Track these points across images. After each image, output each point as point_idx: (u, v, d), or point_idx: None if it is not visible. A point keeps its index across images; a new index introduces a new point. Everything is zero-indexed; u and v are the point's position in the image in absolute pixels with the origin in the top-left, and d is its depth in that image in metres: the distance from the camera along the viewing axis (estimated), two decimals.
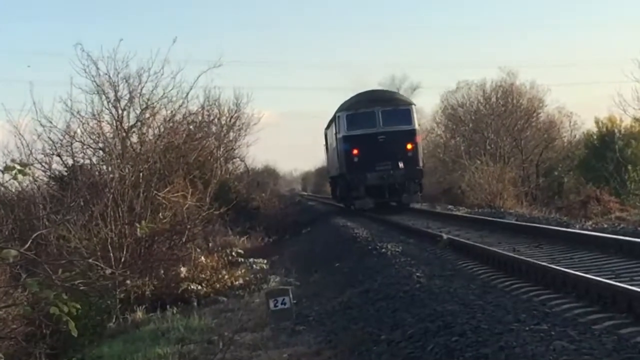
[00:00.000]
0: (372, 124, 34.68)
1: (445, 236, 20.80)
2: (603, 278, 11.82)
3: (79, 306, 6.64)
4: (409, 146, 34.73)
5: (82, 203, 20.03)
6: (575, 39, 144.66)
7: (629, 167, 46.24)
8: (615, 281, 11.56)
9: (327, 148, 44.85)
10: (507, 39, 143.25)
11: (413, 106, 36.91)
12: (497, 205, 39.80)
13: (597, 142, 51.21)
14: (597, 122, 52.03)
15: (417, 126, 36.47)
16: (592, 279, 11.67)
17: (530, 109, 60.88)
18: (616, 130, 49.99)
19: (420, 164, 35.99)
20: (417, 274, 14.88)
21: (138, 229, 17.91)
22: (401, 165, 34.25)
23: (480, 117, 61.25)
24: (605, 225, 22.83)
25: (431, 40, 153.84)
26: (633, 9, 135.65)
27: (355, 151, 34.83)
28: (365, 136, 34.45)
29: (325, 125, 43.62)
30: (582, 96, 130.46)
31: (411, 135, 35.08)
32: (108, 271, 18.17)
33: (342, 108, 36.81)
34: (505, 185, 43.58)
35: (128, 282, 18.57)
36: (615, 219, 30.65)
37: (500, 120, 58.64)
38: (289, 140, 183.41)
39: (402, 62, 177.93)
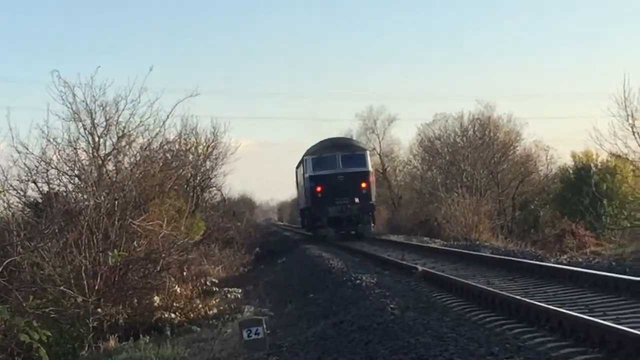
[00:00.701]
0: (333, 166, 41.03)
1: (420, 268, 20.83)
2: (576, 312, 11.87)
3: (49, 334, 6.61)
4: (364, 185, 40.99)
5: (56, 230, 19.88)
6: (553, 72, 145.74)
7: (605, 201, 46.45)
8: (589, 315, 11.58)
9: (297, 184, 50.83)
10: (486, 71, 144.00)
11: (367, 151, 44.60)
12: (473, 238, 39.92)
13: (573, 176, 51.37)
14: (573, 156, 52.28)
15: (370, 168, 42.95)
16: (565, 313, 11.70)
17: (507, 142, 61.26)
18: (592, 165, 50.19)
19: (373, 199, 42.47)
20: (392, 306, 14.85)
21: (110, 257, 17.94)
22: (357, 200, 40.44)
23: (457, 149, 61.39)
24: (580, 260, 22.94)
25: (409, 72, 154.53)
26: (611, 43, 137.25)
27: (318, 188, 40.94)
28: (327, 176, 40.70)
29: (296, 165, 49.00)
30: (559, 130, 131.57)
31: (365, 175, 41.39)
32: (79, 299, 18.20)
33: (308, 152, 43.26)
34: (481, 218, 43.73)
35: (99, 310, 18.40)
36: (590, 254, 30.77)
37: (477, 152, 58.80)
38: (266, 170, 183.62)
39: (381, 94, 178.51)
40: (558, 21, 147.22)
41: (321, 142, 43.68)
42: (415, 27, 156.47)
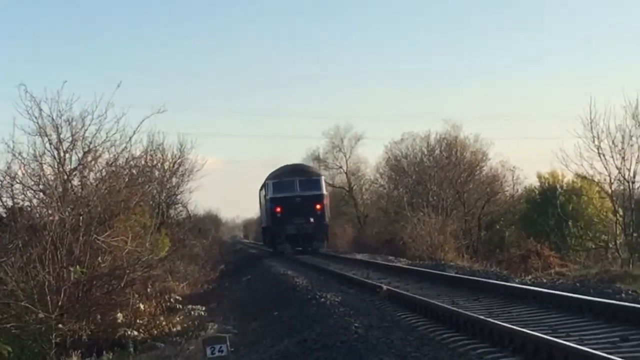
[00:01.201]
0: (291, 189, 45.46)
1: (385, 287, 20.78)
2: (540, 333, 11.84)
3: (10, 349, 6.57)
4: (318, 206, 45.49)
5: (20, 245, 19.77)
6: (520, 93, 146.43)
7: (570, 222, 46.63)
8: (552, 336, 11.58)
9: (260, 205, 55.09)
10: (453, 91, 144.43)
11: (322, 177, 49.73)
12: (438, 257, 39.97)
13: (539, 197, 51.46)
14: (539, 177, 52.35)
15: (324, 192, 47.46)
16: (529, 333, 11.67)
17: (474, 162, 61.25)
18: (558, 186, 50.31)
19: (327, 219, 46.67)
20: (356, 325, 14.80)
21: (72, 273, 17.83)
22: (312, 220, 44.93)
23: (423, 168, 61.38)
24: (545, 280, 23.04)
25: (377, 90, 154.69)
26: (578, 65, 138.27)
27: (278, 209, 45.65)
28: (286, 198, 45.31)
29: (260, 187, 52.85)
30: (526, 150, 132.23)
31: (320, 198, 45.94)
32: (42, 315, 18.07)
33: (270, 177, 47.86)
34: (447, 237, 43.86)
35: (62, 326, 18.26)
36: (554, 274, 30.89)
37: (443, 172, 58.71)
38: (232, 188, 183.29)
39: (349, 112, 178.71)
40: (526, 42, 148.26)
41: (281, 167, 48.43)
42: (383, 45, 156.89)
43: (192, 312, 22.82)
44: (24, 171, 22.98)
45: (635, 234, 37.63)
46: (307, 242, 46.04)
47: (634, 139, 37.61)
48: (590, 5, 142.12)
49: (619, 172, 38.25)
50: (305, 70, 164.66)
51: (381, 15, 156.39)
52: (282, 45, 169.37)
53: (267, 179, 48.01)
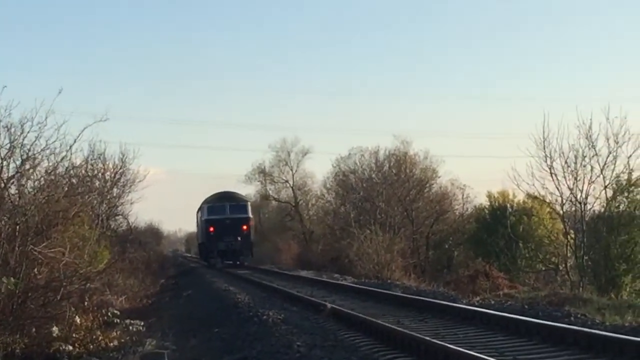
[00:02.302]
0: (222, 212, 54.25)
1: (329, 305, 20.60)
2: (487, 355, 11.71)
3: None
4: (245, 227, 54.29)
5: None
6: (472, 110, 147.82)
7: (520, 243, 46.50)
8: (499, 359, 11.45)
9: (197, 224, 64.58)
10: (404, 107, 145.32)
11: (248, 202, 58.99)
12: (385, 276, 39.71)
13: (488, 217, 51.11)
14: (489, 196, 51.81)
15: (250, 215, 56.63)
16: (475, 356, 11.56)
17: (423, 180, 61.06)
18: (508, 205, 50.08)
19: (252, 238, 55.65)
20: (298, 343, 14.63)
21: (4, 284, 17.26)
22: (239, 238, 53.75)
23: (371, 185, 61.15)
24: (493, 302, 22.86)
25: (325, 104, 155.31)
26: (530, 83, 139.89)
27: (211, 229, 54.40)
28: (218, 219, 53.96)
29: (197, 210, 62.16)
30: (476, 169, 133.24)
31: (246, 220, 54.91)
32: None
33: (205, 201, 56.97)
34: (394, 256, 43.53)
35: None
36: (503, 296, 30.69)
37: (392, 189, 58.50)
38: (175, 200, 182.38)
39: (296, 125, 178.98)
40: (479, 58, 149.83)
41: (215, 194, 57.04)
42: (334, 58, 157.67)
43: (131, 327, 22.38)
44: None
45: (585, 257, 37.56)
46: (235, 257, 54.71)
47: (586, 159, 37.46)
48: (544, 23, 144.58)
49: (571, 193, 38.05)
50: (252, 81, 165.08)
51: (331, 28, 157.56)
52: (229, 55, 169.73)
53: (202, 203, 57.70)
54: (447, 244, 56.74)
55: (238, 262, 54.21)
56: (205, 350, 17.66)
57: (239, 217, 54.49)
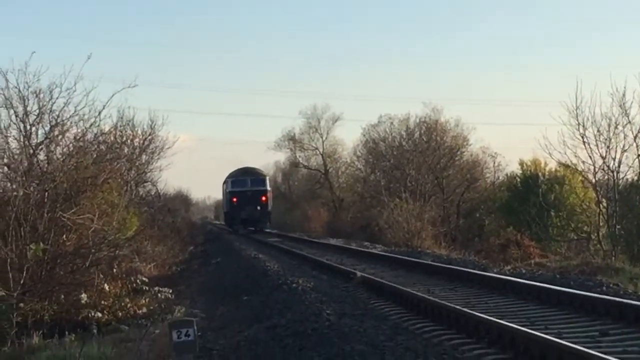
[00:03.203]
0: (244, 185, 60.55)
1: (359, 274, 20.53)
2: (517, 325, 11.61)
3: None
4: (263, 198, 60.47)
5: None
6: (504, 77, 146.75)
7: (552, 212, 45.99)
8: (530, 328, 11.35)
9: (223, 195, 70.78)
10: (434, 73, 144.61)
11: (267, 177, 66.34)
12: (415, 244, 39.52)
13: (520, 185, 50.45)
14: (521, 165, 51.10)
15: (268, 188, 62.72)
16: (505, 325, 11.46)
17: (454, 147, 60.41)
18: (540, 174, 49.49)
19: (269, 208, 61.64)
20: (327, 312, 14.57)
21: (30, 250, 17.25)
22: (259, 208, 59.81)
23: (402, 152, 60.73)
24: (524, 271, 22.67)
25: (356, 71, 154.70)
26: (563, 51, 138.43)
27: (234, 199, 60.79)
28: (240, 192, 60.21)
29: (223, 182, 67.91)
30: (508, 137, 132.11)
31: (264, 192, 60.93)
32: (2, 292, 17.52)
33: (229, 176, 63.62)
34: (425, 224, 43.29)
35: (22, 304, 17.72)
36: (534, 265, 30.35)
37: (422, 157, 58.02)
38: (204, 167, 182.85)
39: (326, 92, 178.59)
40: (511, 26, 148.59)
41: (238, 169, 64.12)
42: (364, 27, 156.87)
43: (159, 295, 22.29)
44: None
45: (618, 226, 37.12)
46: (255, 224, 60.31)
47: (619, 127, 36.95)
48: None
49: (604, 162, 37.59)
50: (283, 48, 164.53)
51: None
52: (259, 22, 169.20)
53: (227, 177, 64.57)
54: (478, 212, 56.12)
55: (258, 229, 59.85)
56: (234, 318, 17.62)
57: (258, 189, 60.79)
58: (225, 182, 65.89)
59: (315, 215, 68.61)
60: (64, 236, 20.56)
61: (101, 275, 21.03)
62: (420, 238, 41.77)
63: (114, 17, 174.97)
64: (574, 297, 14.11)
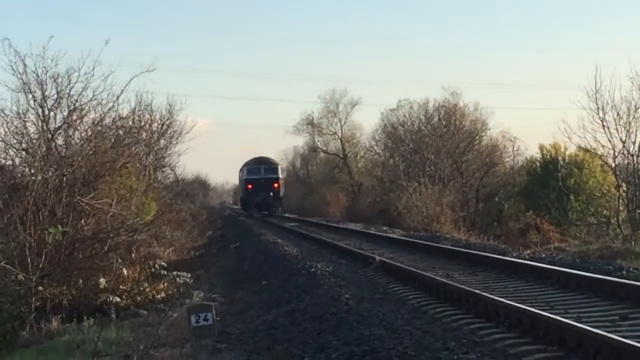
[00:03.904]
0: (258, 173, 65.93)
1: (377, 258, 20.53)
2: (537, 309, 11.55)
3: None
4: (276, 185, 65.90)
5: (0, 205, 19.24)
6: (523, 61, 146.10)
7: (571, 196, 45.74)
8: (549, 313, 11.30)
9: (239, 181, 77.29)
10: (453, 57, 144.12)
11: (279, 165, 71.29)
12: (434, 229, 39.43)
13: (540, 169, 50.11)
14: (541, 149, 50.49)
15: (280, 175, 68.21)
16: (525, 309, 11.42)
17: (473, 132, 60.23)
18: (560, 158, 49.15)
19: (281, 194, 67.61)
20: (346, 296, 14.53)
21: (50, 234, 17.27)
22: (271, 194, 65.34)
23: (420, 137, 60.57)
24: (544, 255, 22.59)
25: (375, 55, 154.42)
26: (582, 35, 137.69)
27: (249, 186, 66.30)
28: (255, 179, 65.54)
29: (239, 169, 73.70)
30: (528, 121, 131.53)
31: (277, 180, 66.24)
32: (21, 276, 17.57)
33: (245, 164, 69.18)
34: (443, 209, 43.20)
35: (41, 288, 17.77)
36: (554, 249, 30.21)
37: (441, 141, 57.75)
38: (223, 152, 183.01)
39: (345, 76, 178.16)
40: (529, 11, 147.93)
41: (253, 158, 69.18)
42: (383, 10, 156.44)
43: (178, 279, 22.43)
44: (6, 129, 22.42)
45: (638, 210, 36.88)
46: (268, 208, 65.28)
47: (639, 111, 36.74)
48: None
49: (624, 146, 37.36)
50: (302, 32, 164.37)
51: None
52: (278, 5, 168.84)
53: (243, 166, 70.04)
54: (497, 196, 55.78)
55: (270, 213, 64.81)
56: (253, 303, 17.65)
57: (271, 177, 66.07)
58: (241, 170, 71.97)
59: (334, 199, 68.67)
60: (83, 221, 20.59)
61: (120, 260, 21.08)
62: (439, 222, 41.70)
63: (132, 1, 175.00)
64: (594, 282, 14.05)
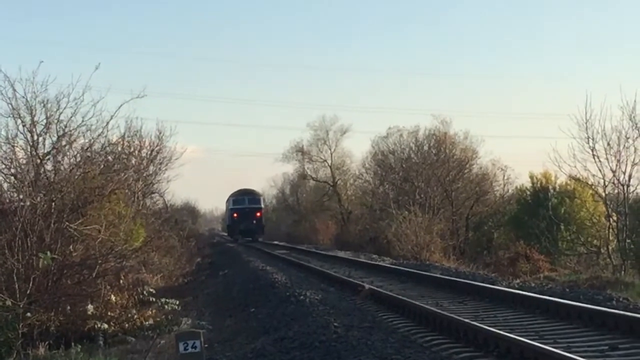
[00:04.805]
0: (243, 203, 73.39)
1: (367, 286, 20.49)
2: (526, 338, 11.57)
3: None
4: (258, 214, 73.15)
5: None
6: (513, 91, 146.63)
7: (561, 225, 45.72)
8: (539, 342, 11.33)
9: (226, 210, 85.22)
10: (443, 86, 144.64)
11: (261, 197, 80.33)
12: (424, 257, 39.37)
13: (530, 198, 50.06)
14: (531, 178, 50.53)
15: (262, 205, 76.36)
16: (514, 338, 11.45)
17: (463, 160, 59.99)
18: (550, 187, 49.02)
19: (263, 222, 74.76)
20: (335, 324, 14.51)
21: (41, 259, 17.17)
22: (254, 222, 72.34)
23: (410, 165, 60.41)
24: (533, 285, 22.60)
25: (365, 83, 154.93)
26: (572, 64, 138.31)
27: (235, 215, 73.78)
28: (240, 208, 72.95)
29: (226, 200, 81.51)
30: (518, 150, 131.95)
31: (259, 209, 73.93)
32: (8, 302, 17.44)
33: (231, 195, 76.84)
34: (433, 237, 43.08)
35: (28, 314, 17.63)
36: (544, 279, 30.24)
37: (431, 169, 57.53)
38: (212, 178, 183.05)
39: (334, 104, 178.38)
40: (520, 38, 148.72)
41: (238, 190, 76.93)
42: (372, 38, 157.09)
43: (166, 306, 22.21)
44: None
45: (628, 240, 36.95)
46: (251, 234, 72.43)
47: (630, 140, 36.82)
48: (586, 4, 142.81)
49: (614, 175, 37.48)
50: (290, 59, 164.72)
51: (371, 7, 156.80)
52: (267, 33, 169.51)
53: (230, 196, 77.65)
54: (487, 225, 55.68)
55: (253, 239, 71.61)
56: (241, 330, 17.63)
57: (254, 207, 73.51)
58: (227, 200, 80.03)
59: (323, 227, 68.67)
60: (71, 247, 20.46)
61: (108, 286, 20.91)
62: (429, 251, 41.60)
63: (122, 27, 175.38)
64: (583, 311, 14.04)
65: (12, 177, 22.13)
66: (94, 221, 21.22)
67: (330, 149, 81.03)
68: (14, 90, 22.62)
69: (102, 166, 24.81)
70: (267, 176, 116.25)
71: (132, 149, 37.44)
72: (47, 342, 18.03)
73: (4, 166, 22.25)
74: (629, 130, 36.73)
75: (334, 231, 68.17)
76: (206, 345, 13.82)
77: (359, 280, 23.22)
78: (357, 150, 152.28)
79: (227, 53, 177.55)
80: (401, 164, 61.82)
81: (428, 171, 57.25)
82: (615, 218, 39.40)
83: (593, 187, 40.88)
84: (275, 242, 69.76)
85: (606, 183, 38.39)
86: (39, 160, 22.12)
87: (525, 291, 18.34)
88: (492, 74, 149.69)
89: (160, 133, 42.80)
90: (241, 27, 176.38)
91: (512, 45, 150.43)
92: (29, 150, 22.45)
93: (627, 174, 37.34)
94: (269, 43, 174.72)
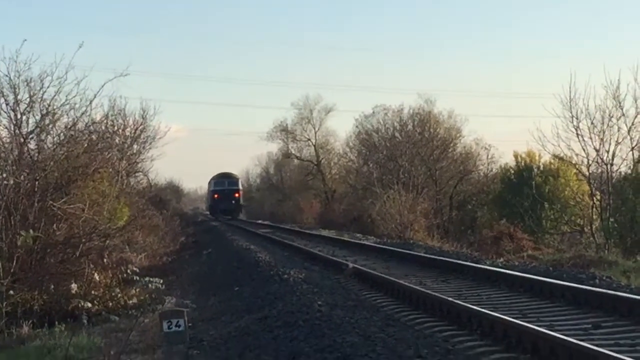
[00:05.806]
0: (223, 185, 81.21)
1: (351, 265, 20.47)
2: (509, 317, 11.56)
3: None
4: (237, 195, 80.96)
5: None
6: (496, 69, 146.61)
7: (545, 204, 45.79)
8: (522, 320, 11.30)
9: (207, 191, 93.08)
10: (428, 65, 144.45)
11: (239, 179, 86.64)
12: (407, 236, 39.39)
13: (514, 177, 49.98)
14: (516, 157, 50.26)
15: (240, 187, 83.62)
16: (498, 317, 11.42)
17: (447, 139, 59.96)
18: (534, 166, 48.89)
19: (241, 202, 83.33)
20: (319, 303, 14.49)
21: (21, 238, 17.15)
22: (233, 202, 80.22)
23: (395, 144, 60.17)
24: (517, 263, 22.64)
25: (350, 62, 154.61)
26: (556, 42, 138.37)
27: (216, 195, 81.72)
28: (220, 190, 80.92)
29: (208, 182, 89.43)
30: (501, 129, 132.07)
31: (237, 191, 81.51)
32: None
33: (212, 177, 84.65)
34: (417, 216, 43.11)
35: (11, 292, 17.61)
36: (527, 258, 30.30)
37: (415, 148, 57.54)
38: (196, 158, 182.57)
39: (318, 82, 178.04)
40: (504, 16, 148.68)
41: (218, 174, 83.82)
42: (357, 16, 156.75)
43: (150, 285, 22.13)
44: None
45: (611, 219, 37.04)
46: (230, 213, 79.30)
47: (613, 119, 36.89)
48: None
49: (597, 154, 37.56)
50: (275, 38, 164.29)
51: None
52: (254, 12, 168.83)
53: (211, 179, 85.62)
54: (471, 204, 55.56)
55: (232, 217, 78.10)
56: (225, 309, 17.57)
57: (233, 188, 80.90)
58: (209, 182, 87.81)
59: (307, 206, 68.56)
60: (55, 225, 20.47)
61: (91, 265, 20.90)
62: (413, 230, 41.65)
63: (106, 5, 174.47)
64: (567, 290, 14.03)
65: None
66: (78, 200, 21.21)
67: (314, 128, 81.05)
68: None
69: (85, 145, 24.67)
70: (251, 155, 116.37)
71: (115, 128, 37.42)
72: (30, 321, 18.09)
73: None
74: (612, 109, 36.80)
75: (318, 210, 68.08)
76: (190, 324, 13.85)
77: (342, 259, 23.18)
78: (341, 129, 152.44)
79: (211, 32, 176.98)
80: (385, 143, 61.57)
81: (412, 150, 57.12)
82: (598, 197, 39.53)
83: (577, 166, 40.96)
84: (260, 221, 69.64)
85: (590, 162, 38.54)
86: (22, 139, 22.04)
87: (508, 270, 18.33)
88: (477, 53, 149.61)
89: (144, 112, 42.77)
90: (225, 6, 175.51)
91: (497, 25, 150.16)
92: (12, 129, 22.37)
93: (610, 153, 37.45)
94: (253, 21, 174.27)
